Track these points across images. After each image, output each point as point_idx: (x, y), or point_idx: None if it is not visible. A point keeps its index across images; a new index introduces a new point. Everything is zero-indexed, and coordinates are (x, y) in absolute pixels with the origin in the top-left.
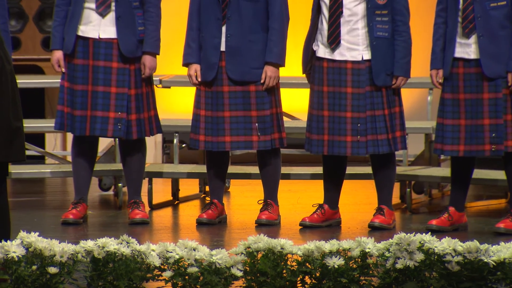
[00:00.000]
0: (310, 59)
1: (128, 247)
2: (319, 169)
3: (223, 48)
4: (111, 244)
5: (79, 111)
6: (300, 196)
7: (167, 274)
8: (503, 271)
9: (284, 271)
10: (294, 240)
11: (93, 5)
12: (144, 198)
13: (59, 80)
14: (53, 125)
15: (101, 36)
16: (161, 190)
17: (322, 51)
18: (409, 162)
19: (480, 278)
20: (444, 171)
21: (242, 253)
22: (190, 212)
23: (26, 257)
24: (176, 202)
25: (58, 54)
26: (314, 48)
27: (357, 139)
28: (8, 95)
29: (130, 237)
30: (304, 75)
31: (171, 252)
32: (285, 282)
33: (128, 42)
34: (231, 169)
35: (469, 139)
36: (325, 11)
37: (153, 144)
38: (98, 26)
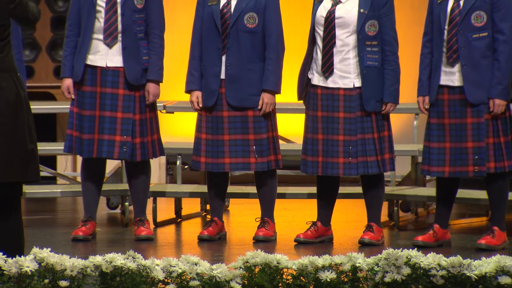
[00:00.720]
0: (305, 86)
1: (134, 262)
2: (312, 189)
3: (223, 76)
4: (118, 259)
5: (87, 135)
6: (295, 214)
7: (171, 287)
8: (485, 285)
9: (280, 284)
10: (289, 255)
11: (101, 36)
12: (149, 216)
13: (69, 106)
14: (63, 148)
15: (108, 65)
16: (165, 209)
17: (316, 79)
18: (396, 182)
19: None
20: (429, 191)
21: (240, 267)
22: (192, 229)
23: (38, 271)
24: (179, 220)
25: (68, 82)
26: (309, 76)
27: (348, 160)
28: (24, 120)
29: (136, 253)
30: (298, 101)
31: (174, 266)
32: None
33: (133, 71)
34: (230, 189)
35: (454, 161)
36: (320, 41)
37: (157, 165)
38: (105, 56)
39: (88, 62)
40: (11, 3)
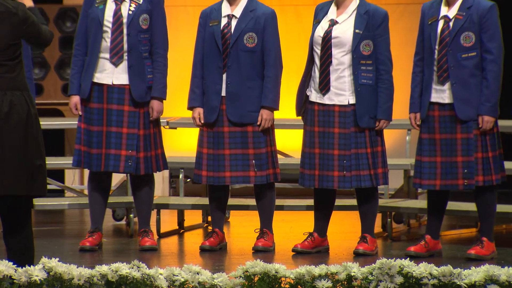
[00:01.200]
0: (303, 103)
1: (138, 271)
2: (309, 201)
3: (223, 93)
4: (123, 268)
5: (95, 150)
6: (293, 225)
7: None
8: None
9: None
10: (287, 264)
11: (107, 55)
12: (153, 227)
13: (77, 122)
14: (71, 162)
15: (114, 83)
16: (168, 220)
17: (314, 96)
18: (389, 195)
19: None
20: (421, 203)
21: (240, 276)
22: (194, 239)
23: (47, 280)
24: (182, 231)
25: (75, 99)
26: (308, 93)
27: (343, 174)
28: (33, 137)
29: (141, 262)
30: (297, 117)
31: (177, 275)
32: None
33: (138, 88)
34: (231, 201)
35: (444, 174)
36: (317, 60)
37: (161, 179)
38: (111, 74)
39: (95, 80)
40: (23, 24)
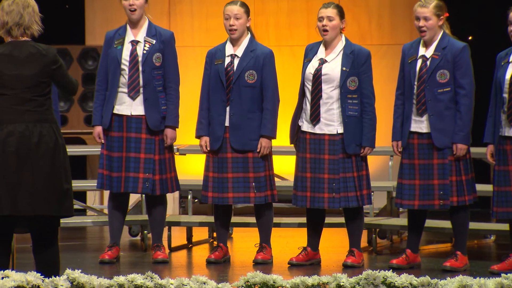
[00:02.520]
0: (296, 132)
1: (152, 281)
2: (302, 220)
3: (227, 123)
4: (138, 279)
5: (115, 173)
6: (288, 240)
7: None
8: None
9: None
10: (284, 275)
11: (125, 90)
12: (165, 242)
13: (99, 149)
14: (94, 184)
15: (132, 114)
16: (178, 236)
17: (306, 126)
18: (374, 214)
19: None
20: (402, 221)
21: (242, 286)
22: (201, 253)
23: None
24: (190, 245)
25: (98, 129)
26: (300, 123)
27: (332, 195)
28: (61, 164)
29: (154, 274)
30: (291, 144)
31: (186, 285)
32: None
33: (153, 119)
34: (234, 219)
35: (422, 195)
36: (308, 94)
37: (172, 199)
38: (130, 106)
39: (115, 112)
40: (52, 64)
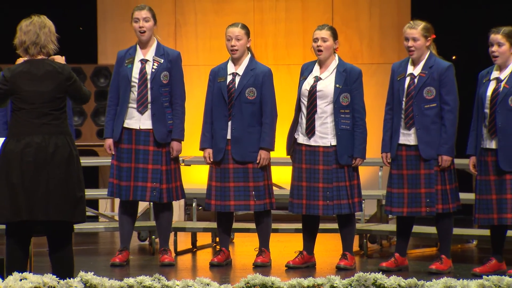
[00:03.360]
0: (292, 144)
1: (159, 282)
2: (299, 225)
3: (229, 137)
4: (147, 280)
5: (125, 182)
6: (286, 245)
7: None
8: None
9: None
10: (282, 277)
11: (135, 105)
12: (171, 246)
13: (109, 160)
14: (105, 193)
15: (141, 127)
16: (184, 241)
17: (301, 139)
18: (365, 220)
19: None
20: (391, 226)
21: (243, 287)
22: (205, 257)
23: None
24: (195, 249)
25: (109, 141)
26: (296, 136)
27: (326, 203)
28: (74, 173)
29: (161, 276)
30: (287, 156)
31: (191, 286)
32: None
33: (160, 132)
34: (235, 225)
35: (410, 203)
36: (304, 109)
37: (177, 207)
38: (138, 120)
39: (125, 125)
40: (67, 81)
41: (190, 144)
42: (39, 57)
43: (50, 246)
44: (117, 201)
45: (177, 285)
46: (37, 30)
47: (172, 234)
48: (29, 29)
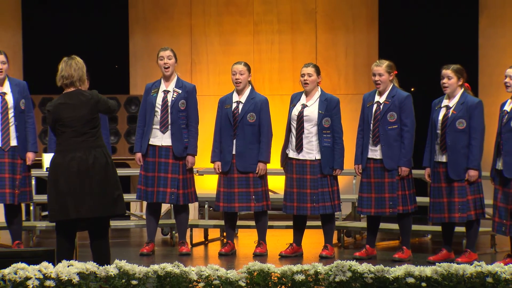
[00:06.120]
0: (285, 158)
1: (178, 268)
2: (290, 223)
3: (234, 152)
4: (168, 267)
5: (150, 188)
6: (279, 238)
7: (201, 285)
8: (398, 283)
9: (270, 283)
10: (276, 264)
11: (158, 127)
12: (188, 239)
13: (138, 171)
14: (135, 197)
15: (162, 144)
16: (198, 235)
17: (292, 154)
18: (342, 218)
19: (384, 287)
20: (363, 224)
21: (245, 272)
22: (215, 248)
23: (118, 274)
24: (206, 242)
25: (138, 155)
26: (287, 152)
27: (313, 205)
28: (111, 176)
29: (179, 263)
30: (281, 167)
31: (203, 271)
32: None
33: (178, 148)
34: (239, 223)
35: (377, 205)
36: (294, 130)
37: (193, 208)
38: (161, 138)
39: (150, 143)
40: (97, 104)
41: (203, 158)
42: (73, 88)
43: (91, 239)
44: (144, 203)
45: (193, 270)
46: (81, 68)
47: (188, 230)
48: (78, 67)
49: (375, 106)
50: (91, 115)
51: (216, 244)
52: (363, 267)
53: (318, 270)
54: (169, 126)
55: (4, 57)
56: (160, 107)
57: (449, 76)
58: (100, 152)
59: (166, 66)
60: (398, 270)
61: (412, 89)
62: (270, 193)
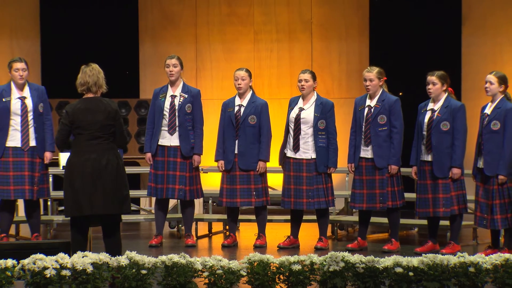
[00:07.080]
0: (283, 157)
1: (184, 259)
2: (288, 217)
3: (236, 151)
4: (175, 257)
5: (159, 185)
6: (277, 231)
7: (205, 274)
8: (387, 272)
9: (269, 272)
10: (274, 255)
11: (166, 128)
12: (193, 232)
13: (148, 169)
14: (145, 193)
15: (171, 145)
16: (202, 228)
17: (289, 153)
18: (336, 213)
19: (375, 276)
20: (355, 217)
21: (246, 262)
22: (218, 240)
23: (129, 264)
24: (210, 234)
25: (148, 155)
26: (285, 151)
27: (309, 200)
28: (122, 178)
29: (185, 254)
30: (279, 166)
31: (208, 262)
32: (269, 278)
33: (185, 148)
34: (240, 216)
35: (368, 200)
36: (291, 132)
37: (198, 203)
38: (169, 139)
39: (159, 143)
40: (116, 113)
41: (208, 157)
42: (94, 95)
43: (104, 232)
44: (153, 199)
45: (198, 261)
46: (97, 74)
47: (194, 223)
48: (92, 73)
49: (366, 109)
50: (107, 120)
51: (219, 236)
52: (355, 258)
53: (314, 261)
54: (177, 128)
55: (24, 64)
56: (168, 110)
57: (434, 82)
58: (113, 155)
59: (171, 73)
60: (387, 261)
61: (400, 94)
62: (269, 189)
